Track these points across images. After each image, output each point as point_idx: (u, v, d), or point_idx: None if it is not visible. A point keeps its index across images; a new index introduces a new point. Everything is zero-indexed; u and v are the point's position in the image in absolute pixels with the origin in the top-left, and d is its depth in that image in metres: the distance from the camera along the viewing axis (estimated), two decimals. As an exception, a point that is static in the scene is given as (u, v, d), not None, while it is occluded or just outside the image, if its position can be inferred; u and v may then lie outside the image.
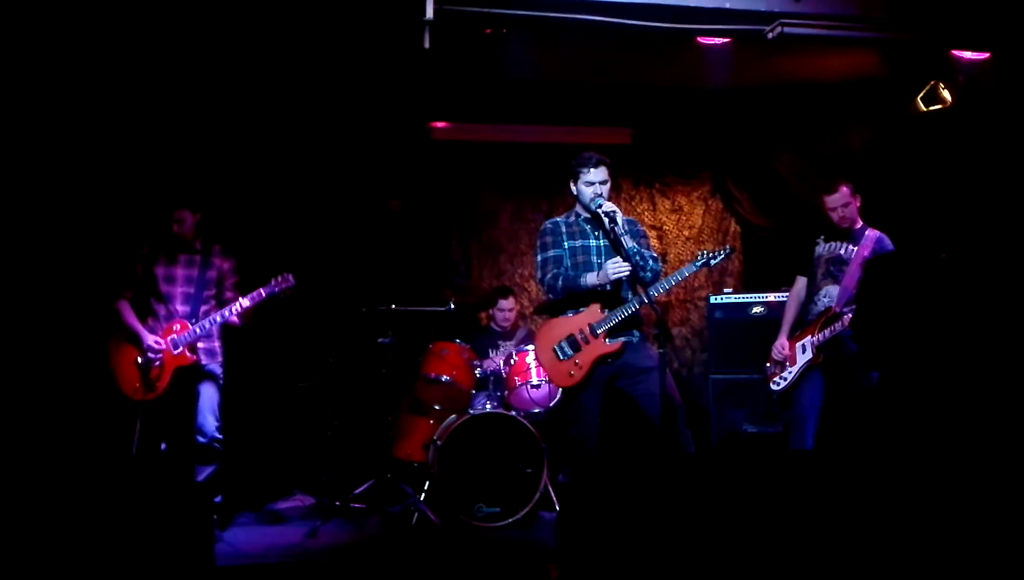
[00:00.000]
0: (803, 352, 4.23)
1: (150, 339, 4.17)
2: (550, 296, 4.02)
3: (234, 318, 4.27)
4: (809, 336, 4.21)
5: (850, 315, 4.03)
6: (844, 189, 4.26)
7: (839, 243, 4.31)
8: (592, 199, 3.85)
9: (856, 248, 4.23)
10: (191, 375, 4.29)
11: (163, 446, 4.23)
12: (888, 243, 4.26)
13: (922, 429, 5.14)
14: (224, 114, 5.27)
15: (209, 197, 4.55)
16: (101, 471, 3.88)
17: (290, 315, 5.21)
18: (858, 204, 4.30)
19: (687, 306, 6.45)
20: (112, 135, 5.00)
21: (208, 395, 4.32)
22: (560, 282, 3.87)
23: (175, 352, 4.19)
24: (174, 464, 4.11)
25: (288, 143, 5.62)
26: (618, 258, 3.74)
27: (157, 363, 4.17)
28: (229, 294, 4.43)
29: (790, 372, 4.25)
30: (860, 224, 4.32)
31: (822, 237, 4.40)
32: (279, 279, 4.26)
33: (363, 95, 5.41)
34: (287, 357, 5.47)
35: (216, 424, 4.30)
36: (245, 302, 4.22)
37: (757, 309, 5.66)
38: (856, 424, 4.06)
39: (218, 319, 4.23)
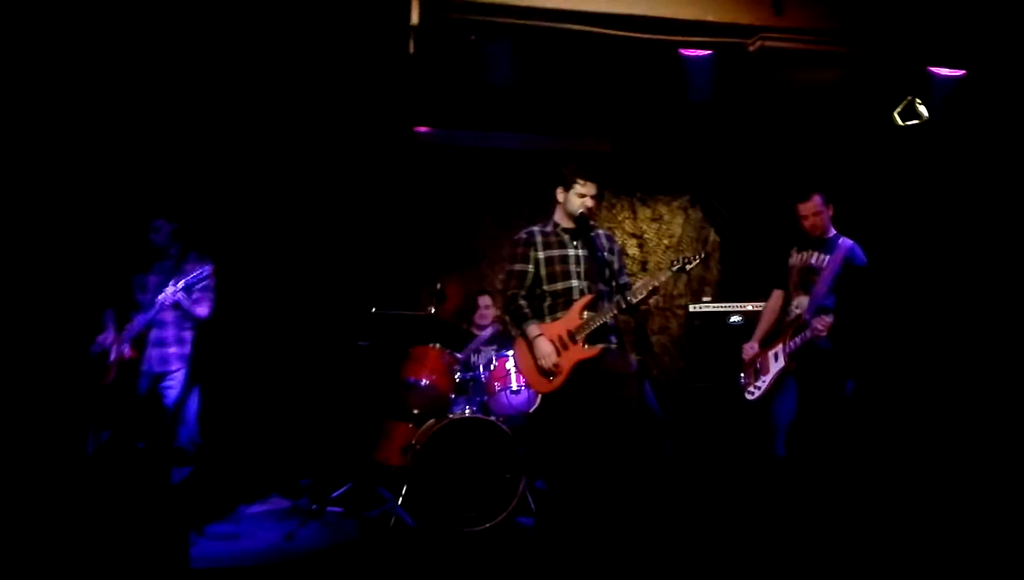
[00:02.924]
0: (775, 360, 4.25)
1: (99, 336, 4.36)
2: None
3: (191, 308, 4.34)
4: (781, 344, 4.25)
5: (820, 325, 4.07)
6: (816, 198, 4.30)
7: (811, 252, 4.33)
8: (579, 209, 3.91)
9: (828, 257, 4.26)
10: (147, 377, 4.37)
11: (141, 444, 4.22)
12: (860, 252, 4.28)
13: (897, 437, 5.23)
14: (207, 117, 5.25)
15: (191, 200, 4.56)
16: (69, 471, 3.86)
17: (271, 317, 5.20)
18: (830, 213, 4.33)
19: (666, 314, 6.50)
20: (91, 139, 4.99)
21: (182, 398, 4.33)
22: (512, 307, 3.96)
23: (122, 348, 4.31)
24: (150, 466, 4.11)
25: (272, 145, 5.61)
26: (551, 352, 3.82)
27: (110, 360, 4.29)
28: (197, 295, 4.42)
29: (764, 381, 4.28)
30: (832, 233, 4.35)
31: (795, 247, 4.44)
32: (196, 271, 4.28)
33: (349, 98, 5.42)
34: (266, 359, 5.45)
35: (193, 426, 4.30)
36: (166, 294, 4.24)
37: (735, 318, 5.73)
38: (831, 432, 4.09)
39: (150, 315, 4.27)
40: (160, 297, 4.21)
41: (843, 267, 4.22)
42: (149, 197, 4.76)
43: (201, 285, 4.28)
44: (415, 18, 4.14)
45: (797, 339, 4.16)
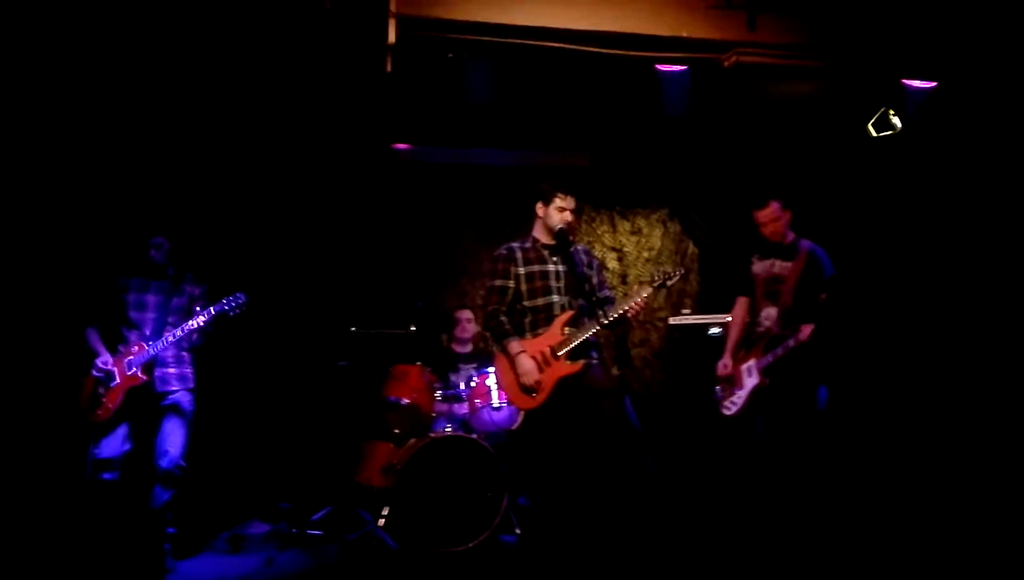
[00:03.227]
0: (749, 375, 4.23)
1: (99, 359, 4.17)
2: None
3: (194, 338, 4.24)
4: (754, 359, 4.22)
5: (792, 341, 4.07)
6: (774, 205, 4.29)
7: (773, 261, 4.32)
8: (559, 224, 3.93)
9: (791, 265, 4.25)
10: (147, 397, 4.22)
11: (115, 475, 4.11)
12: (821, 253, 4.28)
13: (873, 443, 5.25)
14: (185, 136, 5.22)
15: (174, 221, 4.51)
16: (52, 496, 3.80)
17: (249, 337, 5.14)
18: (788, 218, 4.32)
19: (647, 327, 6.51)
20: (80, 163, 4.95)
21: (176, 420, 4.25)
22: (493, 324, 3.96)
23: (128, 373, 4.14)
24: (128, 491, 4.04)
25: (250, 164, 5.57)
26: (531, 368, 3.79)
27: (113, 384, 4.13)
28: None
29: (739, 397, 4.25)
30: (792, 237, 4.34)
31: (757, 255, 4.42)
32: (229, 298, 4.19)
33: (327, 118, 5.40)
34: (244, 380, 5.38)
35: (181, 450, 4.21)
36: (199, 321, 4.15)
37: (715, 330, 5.74)
38: (808, 442, 4.09)
39: (170, 339, 4.16)
40: (191, 322, 4.13)
41: (806, 270, 4.21)
42: (136, 215, 4.69)
43: (233, 312, 4.19)
44: (391, 37, 4.14)
45: (769, 356, 4.15)
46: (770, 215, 4.30)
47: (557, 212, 3.95)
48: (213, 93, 4.88)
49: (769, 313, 4.27)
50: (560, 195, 3.95)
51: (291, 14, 4.08)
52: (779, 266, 4.30)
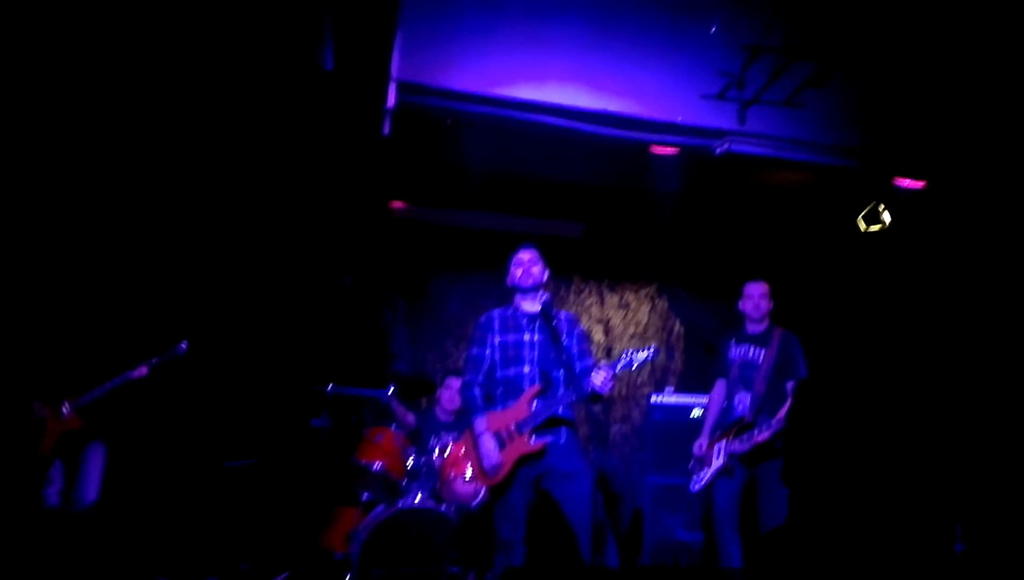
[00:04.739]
0: (717, 456, 4.30)
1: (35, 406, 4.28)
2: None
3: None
4: (724, 441, 4.30)
5: (766, 433, 4.10)
6: (765, 285, 4.50)
7: (749, 346, 4.44)
8: (521, 275, 3.90)
9: (763, 351, 4.36)
10: (80, 440, 4.32)
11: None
12: (794, 340, 4.40)
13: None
14: (182, 191, 5.24)
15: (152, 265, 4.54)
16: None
17: (221, 390, 5.07)
18: (769, 307, 4.49)
19: (629, 403, 6.45)
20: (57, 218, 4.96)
21: (97, 461, 4.35)
22: (465, 395, 3.93)
23: (64, 417, 4.25)
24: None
25: (241, 215, 5.57)
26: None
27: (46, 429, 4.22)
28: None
29: (705, 473, 4.32)
30: (767, 325, 4.48)
31: (733, 339, 4.53)
32: (171, 349, 4.46)
33: (324, 173, 5.42)
34: (216, 435, 5.28)
35: (96, 493, 4.29)
36: (143, 372, 4.36)
37: (696, 412, 5.67)
38: (778, 538, 4.04)
39: (107, 388, 4.32)
40: (135, 372, 4.36)
41: (778, 359, 4.33)
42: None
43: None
44: (391, 101, 4.20)
45: (736, 443, 4.23)
46: (759, 290, 4.47)
47: (515, 267, 3.95)
48: (212, 149, 4.91)
49: (743, 398, 4.37)
50: (515, 252, 3.98)
51: (292, 75, 4.14)
52: (754, 352, 4.41)
